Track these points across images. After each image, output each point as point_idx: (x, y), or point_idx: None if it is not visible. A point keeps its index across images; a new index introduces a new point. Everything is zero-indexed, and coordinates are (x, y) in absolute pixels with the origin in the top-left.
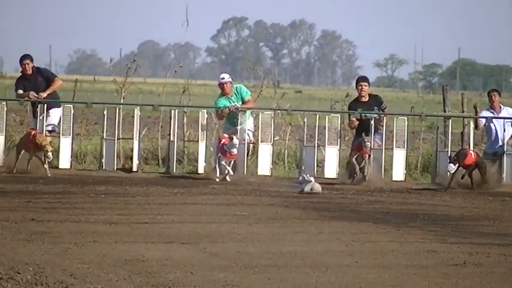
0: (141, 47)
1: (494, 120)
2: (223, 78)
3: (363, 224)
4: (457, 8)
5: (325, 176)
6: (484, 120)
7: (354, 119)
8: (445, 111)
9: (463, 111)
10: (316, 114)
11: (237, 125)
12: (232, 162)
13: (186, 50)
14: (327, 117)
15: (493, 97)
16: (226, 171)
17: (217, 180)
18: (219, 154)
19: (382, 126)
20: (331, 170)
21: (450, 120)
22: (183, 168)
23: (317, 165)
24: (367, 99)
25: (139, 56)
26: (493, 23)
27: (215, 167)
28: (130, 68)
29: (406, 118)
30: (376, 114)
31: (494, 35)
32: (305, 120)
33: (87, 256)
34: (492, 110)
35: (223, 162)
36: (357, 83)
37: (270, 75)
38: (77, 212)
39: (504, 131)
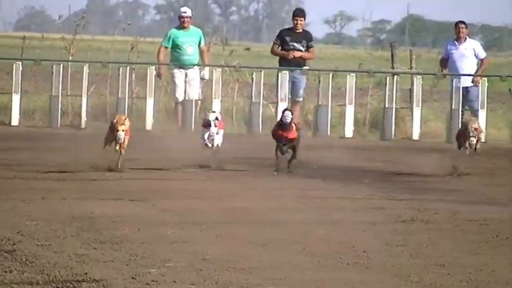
0: (90, 4)
1: (455, 51)
2: (185, 12)
3: (313, 181)
4: None
5: None
6: (446, 53)
7: (277, 47)
8: (393, 68)
9: (411, 68)
10: (261, 71)
11: (187, 67)
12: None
13: (135, 7)
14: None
15: (461, 29)
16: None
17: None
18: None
19: (305, 61)
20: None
21: (396, 76)
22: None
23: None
24: (300, 31)
25: (88, 13)
26: None
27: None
28: (79, 25)
29: (354, 75)
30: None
31: None
32: (253, 77)
33: (36, 213)
34: (456, 42)
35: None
36: (293, 16)
37: (219, 32)
38: (26, 169)
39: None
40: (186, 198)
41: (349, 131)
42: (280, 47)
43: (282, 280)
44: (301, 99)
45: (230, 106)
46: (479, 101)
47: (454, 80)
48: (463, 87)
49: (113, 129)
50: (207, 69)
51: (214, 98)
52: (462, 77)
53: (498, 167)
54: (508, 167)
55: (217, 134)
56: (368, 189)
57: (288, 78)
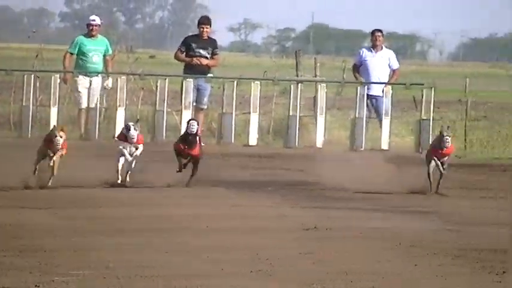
0: None
1: (370, 59)
2: (94, 20)
3: (221, 190)
4: None
5: None
6: (360, 60)
7: (182, 53)
8: (297, 76)
9: (315, 76)
10: (166, 79)
11: (91, 75)
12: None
13: (40, 14)
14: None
15: (377, 37)
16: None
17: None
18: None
19: (209, 68)
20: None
21: (301, 84)
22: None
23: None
24: (205, 38)
25: None
26: None
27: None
28: None
29: (259, 82)
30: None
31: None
32: (157, 84)
33: None
34: (372, 49)
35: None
36: (199, 24)
37: (123, 40)
38: None
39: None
40: (97, 207)
41: (253, 138)
42: (185, 54)
43: None
44: (205, 106)
45: (134, 114)
46: (384, 109)
47: (358, 88)
48: (371, 96)
49: (49, 140)
50: (110, 78)
51: (119, 106)
52: (372, 86)
53: (402, 174)
54: (413, 173)
55: (136, 148)
56: (271, 197)
57: (192, 86)
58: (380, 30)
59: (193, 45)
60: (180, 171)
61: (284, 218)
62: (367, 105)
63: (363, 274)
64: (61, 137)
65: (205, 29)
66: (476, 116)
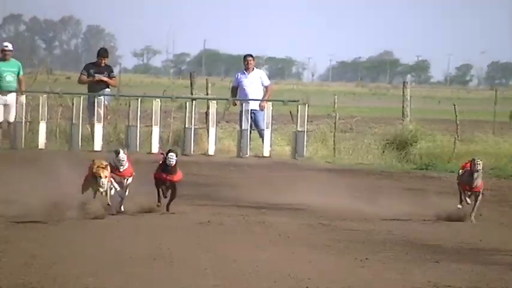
0: None
1: (244, 80)
2: (7, 46)
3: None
4: (204, 1)
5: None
6: (236, 82)
7: (85, 76)
8: (192, 94)
9: (207, 94)
10: (80, 97)
11: (6, 93)
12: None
13: None
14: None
15: (249, 61)
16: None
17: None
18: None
19: (110, 88)
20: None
21: (195, 101)
22: None
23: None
24: (103, 65)
25: None
26: (235, 14)
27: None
28: None
29: (159, 100)
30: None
31: (237, 26)
32: (73, 101)
33: None
34: (245, 72)
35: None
36: (98, 55)
37: (44, 63)
38: None
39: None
40: None
41: (155, 147)
42: (87, 77)
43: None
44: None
45: (54, 127)
46: (265, 122)
47: (243, 104)
48: (251, 111)
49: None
50: (23, 96)
51: (41, 119)
52: (251, 102)
53: (281, 177)
54: (291, 175)
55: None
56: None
57: (97, 102)
58: (250, 55)
59: (92, 70)
60: (159, 203)
61: (183, 214)
62: (248, 119)
63: (248, 261)
64: (105, 177)
65: (103, 61)
66: (343, 128)
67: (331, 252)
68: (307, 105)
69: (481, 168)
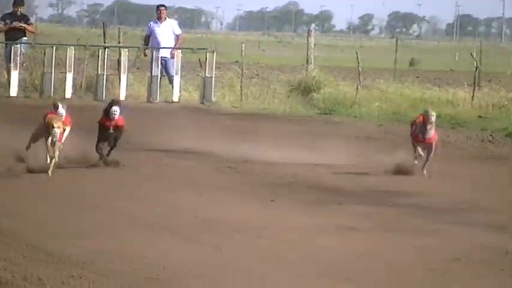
0: None
1: (157, 29)
2: None
3: None
4: None
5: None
6: (149, 31)
7: (1, 25)
8: (105, 42)
9: (119, 42)
10: None
11: None
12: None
13: None
14: None
15: (161, 11)
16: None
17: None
18: None
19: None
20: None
21: (107, 49)
22: None
23: None
24: (19, 15)
25: None
26: None
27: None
28: None
29: (73, 48)
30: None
31: None
32: None
33: None
34: (158, 21)
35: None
36: (13, 4)
37: None
38: None
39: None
40: None
41: (68, 93)
42: (3, 25)
43: None
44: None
45: None
46: (175, 69)
47: (154, 52)
48: (162, 58)
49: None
50: None
51: None
52: (162, 50)
53: (192, 121)
54: (202, 119)
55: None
56: (81, 140)
57: (13, 50)
58: (163, 5)
59: (8, 20)
60: (106, 142)
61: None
62: (159, 65)
63: (157, 202)
64: (58, 127)
65: (19, 9)
66: (250, 75)
67: (237, 194)
68: (214, 52)
69: (434, 120)
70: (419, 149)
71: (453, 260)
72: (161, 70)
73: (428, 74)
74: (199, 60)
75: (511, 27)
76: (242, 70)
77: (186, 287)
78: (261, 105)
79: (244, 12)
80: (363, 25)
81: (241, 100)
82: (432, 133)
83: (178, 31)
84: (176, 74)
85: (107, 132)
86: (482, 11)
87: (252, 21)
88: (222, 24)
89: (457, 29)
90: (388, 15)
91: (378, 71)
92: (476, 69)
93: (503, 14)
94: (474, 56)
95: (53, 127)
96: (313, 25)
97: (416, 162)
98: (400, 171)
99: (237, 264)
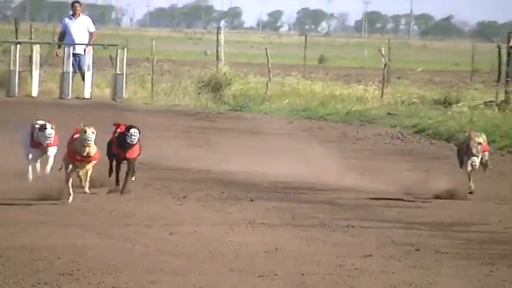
0: None
1: (71, 25)
2: None
3: None
4: None
5: None
6: (64, 27)
7: None
8: (17, 38)
9: (31, 38)
10: None
11: None
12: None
13: None
14: None
15: (76, 7)
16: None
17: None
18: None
19: None
20: None
21: (19, 45)
22: None
23: None
24: None
25: None
26: None
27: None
28: None
29: None
30: None
31: None
32: None
33: None
34: (72, 17)
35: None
36: None
37: None
38: None
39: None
40: None
41: None
42: None
43: None
44: None
45: None
46: (87, 65)
47: (66, 48)
48: (75, 54)
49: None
50: None
51: None
52: (76, 46)
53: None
54: (113, 115)
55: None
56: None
57: None
58: (78, 1)
59: None
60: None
61: None
62: (72, 63)
63: (75, 198)
64: (92, 132)
65: None
66: (161, 71)
67: (150, 190)
68: (125, 49)
69: (481, 140)
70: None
71: (364, 256)
72: (74, 66)
73: (338, 70)
74: (110, 56)
75: (419, 24)
76: (153, 67)
77: (100, 282)
78: (172, 102)
79: (155, 8)
80: (272, 22)
81: (152, 97)
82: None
83: (93, 28)
84: (88, 70)
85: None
86: (390, 7)
87: (162, 17)
88: (132, 20)
89: (365, 26)
90: (297, 12)
91: (287, 67)
92: (385, 66)
93: (411, 11)
94: (383, 53)
95: (85, 132)
96: (222, 22)
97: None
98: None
99: (150, 259)
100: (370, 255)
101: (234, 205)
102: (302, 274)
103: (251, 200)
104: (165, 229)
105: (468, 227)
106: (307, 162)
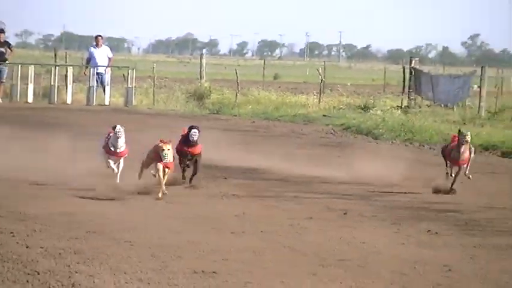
0: None
1: (95, 52)
2: None
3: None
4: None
5: None
6: (90, 54)
7: None
8: (55, 62)
9: (66, 62)
10: None
11: None
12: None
13: None
14: None
15: (99, 40)
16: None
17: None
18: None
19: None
20: None
21: (58, 67)
22: None
23: None
24: (2, 41)
25: None
26: (92, 2)
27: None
28: None
29: (33, 66)
30: None
31: (93, 12)
32: None
33: None
34: (96, 47)
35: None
36: None
37: None
38: None
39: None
40: None
41: (30, 98)
42: None
43: None
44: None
45: None
46: (106, 81)
47: (91, 69)
48: (98, 73)
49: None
50: None
51: None
52: (99, 67)
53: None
54: (127, 117)
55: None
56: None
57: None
58: (100, 35)
59: None
60: (185, 169)
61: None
62: (96, 79)
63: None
64: (168, 149)
65: (1, 36)
66: (159, 85)
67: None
68: (134, 69)
69: (469, 139)
70: (452, 169)
71: (307, 218)
72: (97, 82)
73: (288, 84)
74: (123, 75)
75: (346, 51)
76: (154, 82)
77: (117, 237)
78: (168, 107)
79: (155, 40)
80: (240, 50)
81: (154, 104)
82: (467, 155)
83: (111, 55)
84: (107, 85)
85: (184, 159)
86: (325, 39)
87: (160, 47)
88: (139, 49)
89: (307, 52)
90: (258, 43)
91: (251, 82)
92: (321, 81)
93: (340, 42)
94: (320, 72)
95: (163, 150)
96: (204, 50)
97: (447, 175)
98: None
99: (155, 221)
100: (311, 218)
101: (213, 182)
102: (261, 231)
103: (225, 178)
104: (166, 199)
105: (382, 197)
106: (266, 151)
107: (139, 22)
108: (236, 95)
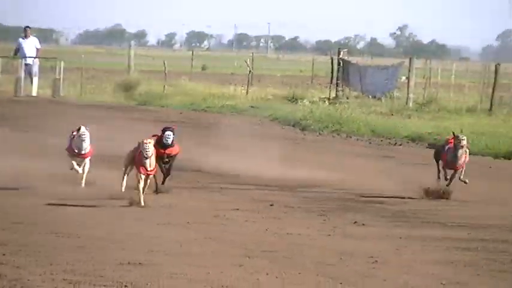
0: None
1: (24, 44)
2: None
3: None
4: None
5: None
6: (18, 45)
7: None
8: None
9: None
10: None
11: None
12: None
13: None
14: None
15: (27, 31)
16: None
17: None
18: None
19: None
20: None
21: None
22: None
23: None
24: None
25: None
26: None
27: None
28: None
29: None
30: None
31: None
32: None
33: None
34: (24, 38)
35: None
36: None
37: None
38: None
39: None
40: None
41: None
42: None
43: None
44: None
45: None
46: (34, 71)
47: (21, 60)
48: (26, 64)
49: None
50: None
51: None
52: (27, 58)
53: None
54: (55, 109)
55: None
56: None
57: None
58: (28, 26)
59: None
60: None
61: None
62: (24, 69)
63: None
64: (150, 142)
65: None
66: (87, 76)
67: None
68: (62, 61)
69: (465, 143)
70: (445, 171)
71: (233, 209)
72: (25, 73)
73: (215, 76)
74: (50, 66)
75: (274, 42)
76: (82, 73)
77: (80, 235)
78: (97, 99)
79: (84, 31)
80: (168, 41)
81: (81, 95)
82: (463, 159)
83: (39, 46)
84: (35, 76)
85: (161, 162)
86: (253, 30)
87: (89, 38)
88: (67, 40)
89: (235, 44)
90: (187, 34)
91: (179, 73)
92: (249, 73)
93: (268, 32)
94: (248, 63)
95: (145, 143)
96: (132, 41)
97: (439, 180)
98: None
99: (128, 214)
100: (238, 209)
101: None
102: (188, 223)
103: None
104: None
105: (309, 188)
106: (194, 141)
107: (68, 13)
108: (164, 86)
